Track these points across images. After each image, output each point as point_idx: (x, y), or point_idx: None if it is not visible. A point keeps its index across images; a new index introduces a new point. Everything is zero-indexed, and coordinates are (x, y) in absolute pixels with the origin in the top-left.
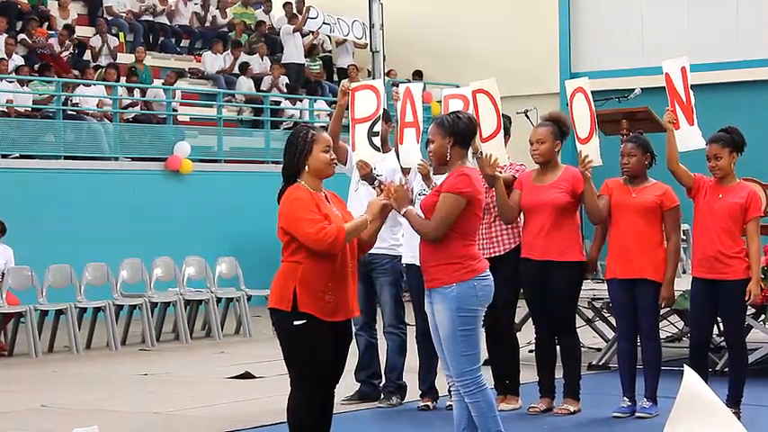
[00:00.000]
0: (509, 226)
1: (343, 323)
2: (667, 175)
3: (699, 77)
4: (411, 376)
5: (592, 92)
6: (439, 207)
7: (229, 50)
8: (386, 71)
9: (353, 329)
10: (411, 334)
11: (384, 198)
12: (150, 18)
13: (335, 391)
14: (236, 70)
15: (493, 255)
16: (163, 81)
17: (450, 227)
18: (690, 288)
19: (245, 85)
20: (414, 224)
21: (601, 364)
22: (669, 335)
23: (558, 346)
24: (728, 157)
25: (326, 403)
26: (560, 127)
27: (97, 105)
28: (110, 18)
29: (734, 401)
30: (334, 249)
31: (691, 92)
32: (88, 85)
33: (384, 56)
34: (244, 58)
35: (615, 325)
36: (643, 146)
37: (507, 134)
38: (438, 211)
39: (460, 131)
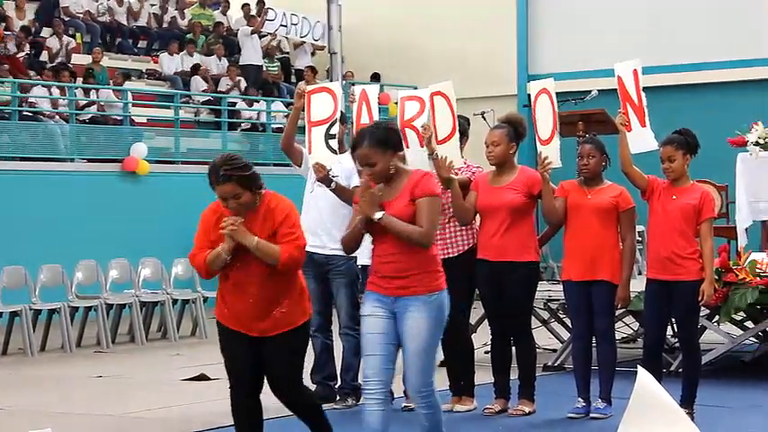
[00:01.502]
0: (463, 227)
1: (260, 337)
2: (622, 176)
3: (654, 80)
4: None
5: None
6: (428, 211)
7: (185, 51)
8: (344, 73)
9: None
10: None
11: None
12: (107, 19)
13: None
14: (189, 70)
15: (447, 256)
16: (111, 82)
17: None
18: (644, 289)
19: (200, 86)
20: (401, 231)
21: (556, 365)
22: (624, 336)
23: (513, 348)
24: (682, 159)
25: (251, 408)
26: (516, 129)
27: (52, 105)
28: (67, 19)
29: (687, 402)
30: (202, 276)
31: (642, 94)
32: (46, 86)
33: (342, 57)
34: (202, 59)
35: (570, 326)
36: (600, 147)
37: (466, 136)
38: (428, 215)
39: (393, 140)
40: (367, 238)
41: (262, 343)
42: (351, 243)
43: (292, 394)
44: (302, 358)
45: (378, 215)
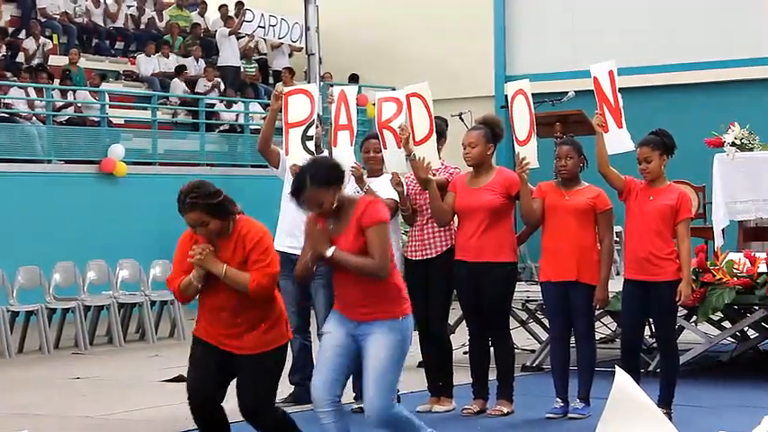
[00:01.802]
0: (442, 228)
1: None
2: (599, 177)
3: (630, 81)
4: None
5: None
6: (377, 241)
7: (160, 53)
8: (321, 74)
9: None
10: None
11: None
12: (84, 20)
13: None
14: (171, 71)
15: (426, 257)
16: (88, 83)
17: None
18: (621, 290)
19: (179, 87)
20: (355, 266)
21: (534, 365)
22: (602, 336)
23: (491, 348)
24: (659, 160)
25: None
26: (493, 130)
27: (30, 107)
28: (43, 20)
29: (665, 402)
30: (179, 300)
31: (619, 95)
32: (22, 88)
33: (320, 59)
34: (180, 60)
35: (549, 326)
36: (578, 149)
37: (444, 137)
38: (378, 245)
39: (334, 176)
40: None
41: (234, 362)
42: (304, 277)
43: (260, 417)
44: (274, 382)
45: (328, 252)
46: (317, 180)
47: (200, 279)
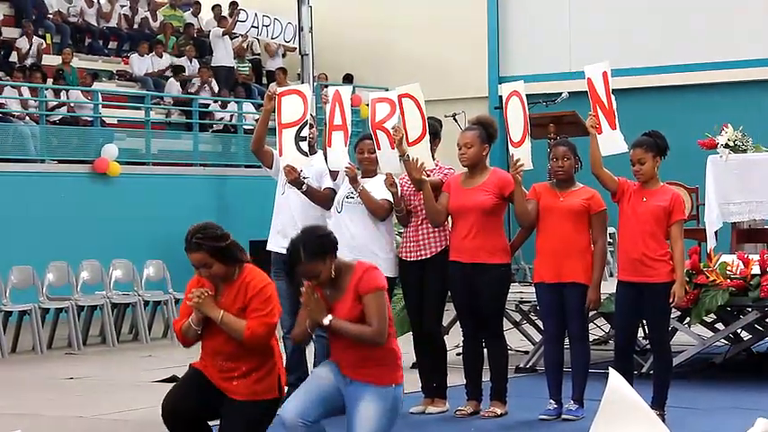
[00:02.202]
0: (436, 229)
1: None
2: (593, 179)
3: (624, 82)
4: None
5: None
6: (375, 308)
7: (153, 53)
8: (317, 74)
9: (281, 334)
10: None
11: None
12: (77, 20)
13: None
14: (167, 73)
15: (420, 258)
16: (79, 82)
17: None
18: (615, 291)
19: (174, 87)
20: (353, 334)
21: (528, 366)
22: (595, 338)
23: (485, 349)
24: (652, 161)
25: None
26: (488, 130)
27: (23, 106)
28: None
29: (658, 404)
30: (181, 343)
31: (612, 96)
32: (15, 87)
33: (313, 59)
34: (173, 60)
35: (542, 328)
36: (573, 150)
37: (438, 137)
38: (376, 312)
39: (328, 246)
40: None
41: (222, 402)
42: (300, 342)
43: None
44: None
45: (326, 321)
46: (311, 253)
47: (198, 323)
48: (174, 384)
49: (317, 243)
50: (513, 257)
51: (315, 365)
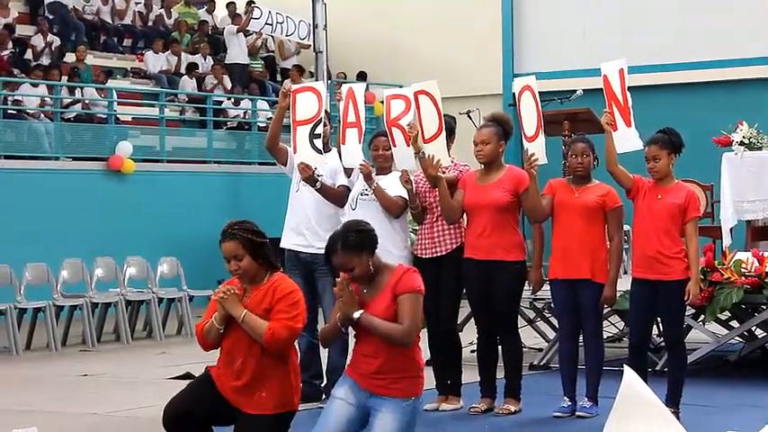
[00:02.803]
0: (451, 226)
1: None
2: (608, 176)
3: (640, 79)
4: None
5: None
6: (409, 308)
7: (170, 50)
8: (329, 72)
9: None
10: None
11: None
12: (92, 17)
13: None
14: (182, 70)
15: (435, 255)
16: (93, 80)
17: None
18: (629, 288)
19: (188, 84)
20: (382, 331)
21: (542, 364)
22: (609, 335)
23: (499, 346)
24: (667, 159)
25: None
26: (504, 127)
27: (40, 104)
28: (51, 17)
29: (673, 401)
30: (201, 346)
31: (628, 94)
32: (35, 85)
33: (327, 56)
34: (187, 58)
35: (557, 325)
36: (592, 146)
37: (453, 134)
38: (410, 312)
39: (367, 242)
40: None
41: (234, 415)
42: (328, 339)
43: None
44: None
45: (356, 314)
46: (347, 246)
47: (220, 321)
48: (183, 389)
49: (354, 238)
50: (527, 253)
51: (328, 363)
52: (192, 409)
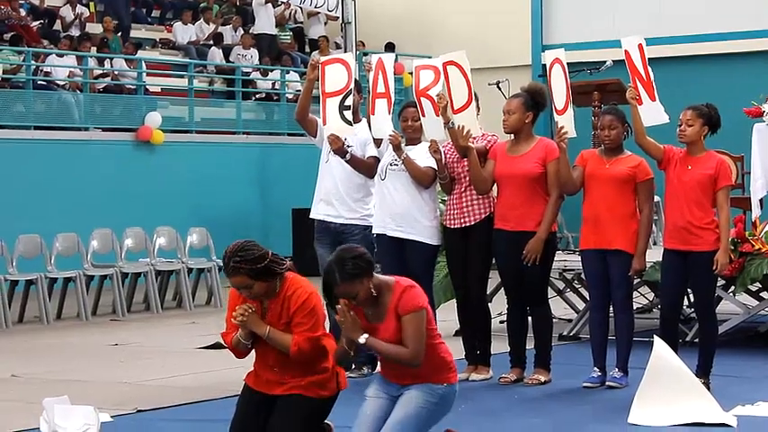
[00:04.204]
0: (480, 196)
1: (271, 396)
2: (638, 147)
3: (669, 50)
4: None
5: None
6: (412, 330)
7: (201, 20)
8: (357, 43)
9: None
10: None
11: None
12: None
13: None
14: (210, 41)
15: (464, 225)
16: (123, 51)
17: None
18: (661, 259)
19: (217, 55)
20: (388, 354)
21: (571, 335)
22: (640, 306)
23: (529, 317)
24: (699, 128)
25: None
26: (535, 98)
27: (68, 76)
28: None
29: (703, 372)
30: (233, 354)
31: (649, 68)
32: (61, 56)
33: (356, 27)
34: (216, 28)
35: (586, 296)
36: (621, 118)
37: (477, 108)
38: (412, 334)
39: (363, 267)
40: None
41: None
42: (341, 361)
43: None
44: (308, 426)
45: (362, 339)
46: (346, 276)
47: (246, 337)
48: (235, 413)
49: (350, 267)
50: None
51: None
52: (257, 422)
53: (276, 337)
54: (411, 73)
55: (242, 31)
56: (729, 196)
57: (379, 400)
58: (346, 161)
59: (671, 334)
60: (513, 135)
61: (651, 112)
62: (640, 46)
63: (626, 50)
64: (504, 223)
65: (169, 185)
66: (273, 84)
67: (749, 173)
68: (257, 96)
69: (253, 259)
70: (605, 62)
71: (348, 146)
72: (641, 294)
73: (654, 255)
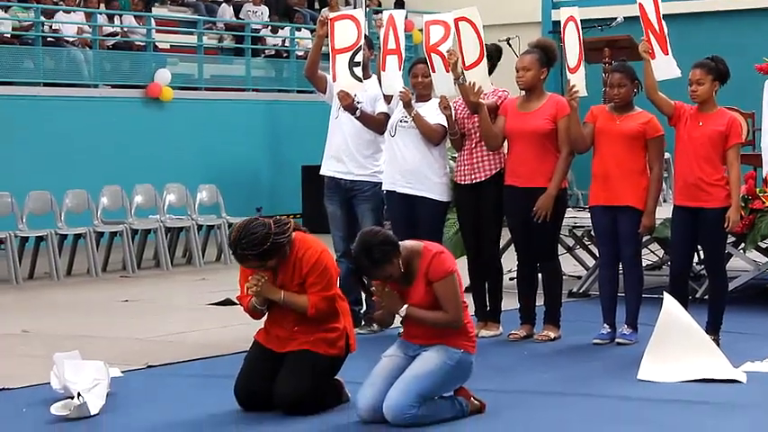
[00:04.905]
0: (491, 152)
1: (279, 354)
2: (650, 103)
3: (681, 6)
4: None
5: None
6: (446, 294)
7: None
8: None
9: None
10: None
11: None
12: None
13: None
14: None
15: (474, 181)
16: (132, 7)
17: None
18: (671, 216)
19: (227, 12)
20: (429, 321)
21: (581, 291)
22: (650, 263)
23: (539, 274)
24: (710, 85)
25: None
26: (547, 54)
27: (77, 32)
28: None
29: (713, 328)
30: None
31: (663, 22)
32: (68, 12)
33: None
34: None
35: (596, 253)
36: (631, 75)
37: (494, 67)
38: (448, 298)
39: (389, 250)
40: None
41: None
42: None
43: (293, 408)
44: (317, 380)
45: (402, 312)
46: (376, 263)
47: (262, 303)
48: (243, 367)
49: (378, 252)
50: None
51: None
52: (256, 389)
53: (292, 299)
54: (421, 30)
55: None
56: (740, 154)
57: (395, 358)
58: (356, 117)
59: (681, 290)
60: (525, 91)
61: (663, 66)
62: None
63: (640, 3)
64: (515, 179)
65: (178, 142)
66: (283, 41)
67: (760, 129)
68: (267, 53)
69: (257, 243)
70: (616, 18)
71: (358, 102)
72: (651, 251)
73: (664, 211)
